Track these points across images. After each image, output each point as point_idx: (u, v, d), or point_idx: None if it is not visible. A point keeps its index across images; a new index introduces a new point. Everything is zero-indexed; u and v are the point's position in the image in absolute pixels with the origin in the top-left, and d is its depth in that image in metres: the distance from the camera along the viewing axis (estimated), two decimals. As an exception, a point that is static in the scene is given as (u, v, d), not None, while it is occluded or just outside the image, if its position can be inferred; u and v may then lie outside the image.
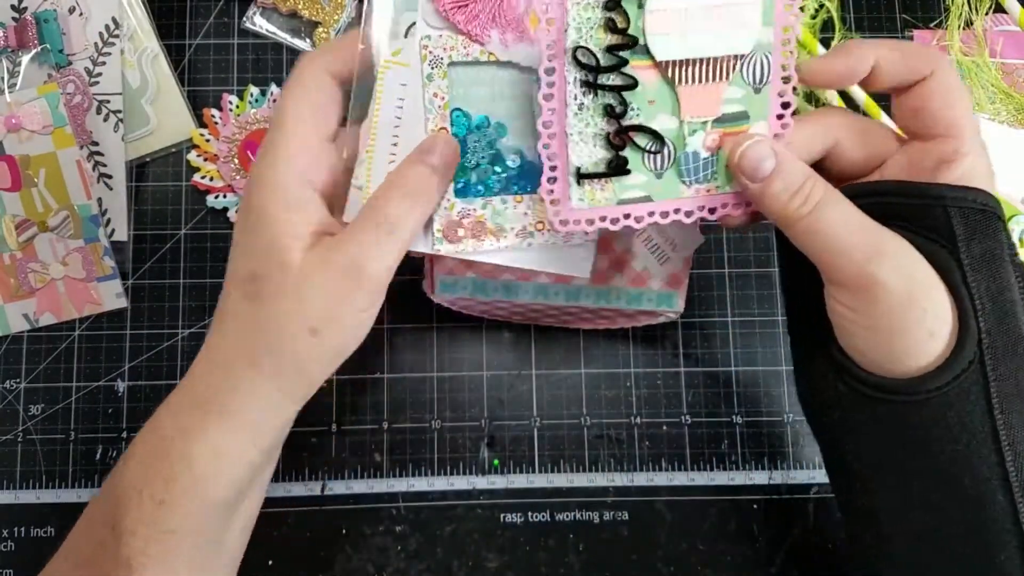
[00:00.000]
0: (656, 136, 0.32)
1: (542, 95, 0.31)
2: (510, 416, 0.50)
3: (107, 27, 0.49)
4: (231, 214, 0.50)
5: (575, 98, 0.31)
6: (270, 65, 0.52)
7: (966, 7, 0.53)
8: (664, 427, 0.50)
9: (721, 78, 0.32)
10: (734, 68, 0.32)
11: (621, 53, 0.31)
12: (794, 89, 0.32)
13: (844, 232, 0.30)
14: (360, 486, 0.49)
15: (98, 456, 0.48)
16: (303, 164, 0.33)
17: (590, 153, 0.32)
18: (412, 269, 0.44)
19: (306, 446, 0.49)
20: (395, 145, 0.34)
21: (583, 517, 0.49)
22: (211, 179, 0.50)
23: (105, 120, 0.49)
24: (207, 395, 0.33)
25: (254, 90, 0.51)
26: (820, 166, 0.34)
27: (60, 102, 0.47)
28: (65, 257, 0.48)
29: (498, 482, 0.49)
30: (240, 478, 0.34)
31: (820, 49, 0.51)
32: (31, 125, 0.47)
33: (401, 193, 0.33)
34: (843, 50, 0.33)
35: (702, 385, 0.50)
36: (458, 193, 0.35)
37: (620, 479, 0.49)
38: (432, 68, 0.34)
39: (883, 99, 0.52)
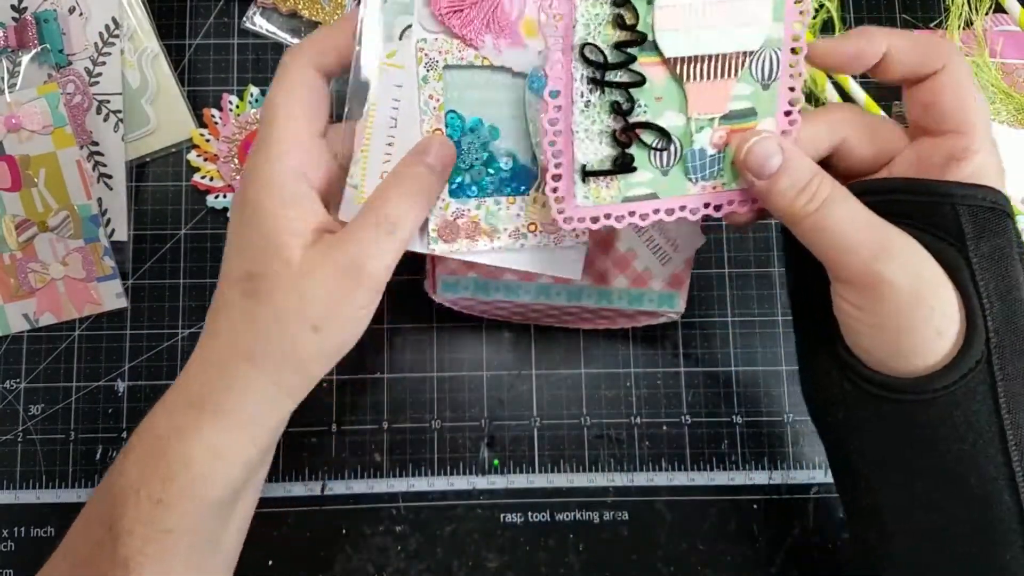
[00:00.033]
0: (663, 133, 0.32)
1: (548, 91, 0.31)
2: (510, 416, 0.50)
3: (107, 27, 0.49)
4: (230, 213, 0.50)
5: (582, 95, 0.31)
6: (270, 65, 0.52)
7: (966, 7, 0.53)
8: (664, 427, 0.50)
9: (730, 75, 0.32)
10: (743, 65, 0.31)
11: (629, 50, 0.31)
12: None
13: (851, 230, 0.30)
14: (360, 486, 0.49)
15: (98, 456, 0.48)
16: (297, 160, 0.33)
17: (596, 150, 0.32)
18: (412, 269, 0.44)
19: (306, 446, 0.49)
20: (390, 145, 0.35)
21: (583, 517, 0.49)
22: (211, 179, 0.50)
23: (105, 120, 0.49)
24: (203, 393, 0.33)
25: (254, 90, 0.51)
26: (828, 163, 0.33)
27: (60, 102, 0.47)
28: (65, 257, 0.48)
29: (498, 482, 0.49)
30: (236, 477, 0.34)
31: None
32: (31, 125, 0.47)
33: (400, 193, 0.33)
34: (854, 33, 0.32)
35: (702, 385, 0.50)
36: (452, 193, 0.35)
37: (620, 479, 0.49)
38: (427, 71, 0.34)
39: (883, 100, 0.52)
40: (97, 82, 0.49)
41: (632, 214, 0.32)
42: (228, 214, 0.50)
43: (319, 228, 0.33)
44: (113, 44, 0.49)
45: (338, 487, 0.49)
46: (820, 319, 0.33)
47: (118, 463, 0.34)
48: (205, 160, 0.50)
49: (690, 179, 0.33)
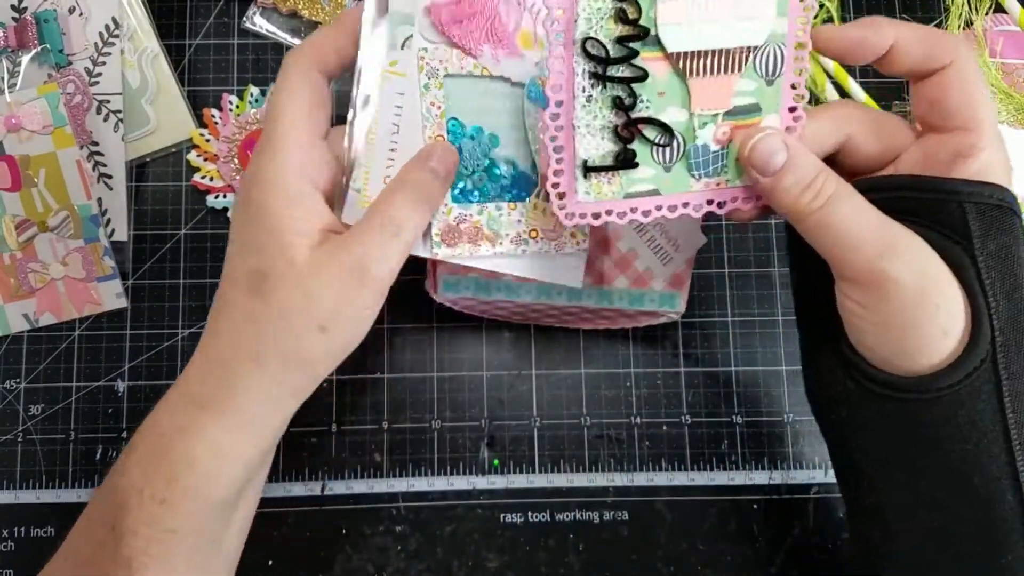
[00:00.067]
0: (665, 129, 0.31)
1: (550, 87, 0.31)
2: (510, 416, 0.50)
3: (107, 27, 0.49)
4: (231, 214, 0.50)
5: (583, 90, 0.31)
6: (270, 65, 0.52)
7: (966, 7, 0.53)
8: (664, 427, 0.50)
9: (733, 70, 0.31)
10: (747, 60, 0.31)
11: (631, 44, 0.30)
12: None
13: (855, 227, 0.29)
14: (360, 486, 0.49)
15: (98, 456, 0.48)
16: (301, 161, 0.33)
17: (597, 146, 0.32)
18: (413, 269, 0.44)
19: (306, 446, 0.49)
20: (393, 150, 0.35)
21: (583, 517, 0.49)
22: (211, 179, 0.50)
23: (105, 120, 0.49)
24: (205, 393, 0.33)
25: (254, 90, 0.51)
26: (833, 160, 0.33)
27: (60, 102, 0.47)
28: (65, 257, 0.48)
29: (498, 482, 0.49)
30: (239, 477, 0.34)
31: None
32: (31, 125, 0.47)
33: (404, 196, 0.33)
34: (862, 22, 0.32)
35: (702, 385, 0.50)
36: (455, 198, 0.36)
37: (620, 479, 0.49)
38: (429, 79, 0.35)
39: (883, 100, 0.52)
40: (97, 82, 0.49)
41: (634, 210, 0.32)
42: (229, 214, 0.50)
43: (324, 228, 0.33)
44: (113, 44, 0.49)
45: (338, 487, 0.49)
46: (824, 317, 0.33)
47: (120, 462, 0.34)
48: (205, 160, 0.50)
49: (693, 175, 0.32)
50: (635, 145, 0.32)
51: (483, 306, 0.45)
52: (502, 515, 0.49)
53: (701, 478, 0.49)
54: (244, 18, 0.52)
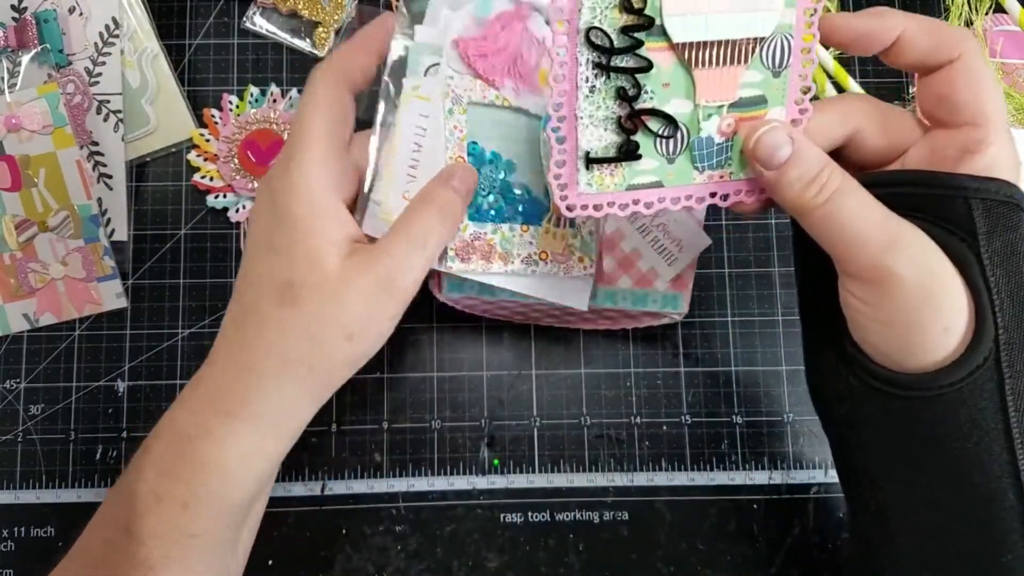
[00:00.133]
0: (669, 120, 0.31)
1: (552, 77, 0.30)
2: (510, 416, 0.50)
3: (107, 27, 0.49)
4: (231, 214, 0.50)
5: (586, 80, 0.30)
6: (270, 65, 0.52)
7: (966, 7, 0.53)
8: (664, 427, 0.50)
9: (739, 61, 0.31)
10: (753, 51, 0.31)
11: (636, 34, 0.30)
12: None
13: (860, 223, 0.29)
14: (360, 486, 0.49)
15: (98, 456, 0.48)
16: (329, 173, 0.34)
17: (600, 137, 0.31)
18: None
19: (306, 446, 0.49)
20: (413, 168, 0.37)
21: (583, 517, 0.49)
22: (211, 179, 0.50)
23: (105, 120, 0.49)
24: (235, 399, 0.33)
25: (254, 90, 0.51)
26: (840, 153, 0.33)
27: (60, 102, 0.47)
28: (65, 257, 0.48)
29: (498, 482, 0.49)
30: (260, 480, 0.35)
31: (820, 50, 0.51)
32: (31, 125, 0.47)
33: (429, 212, 0.35)
34: (869, 12, 0.32)
35: (702, 385, 0.50)
36: (471, 217, 0.38)
37: (620, 479, 0.49)
38: (453, 104, 0.37)
39: (883, 100, 0.52)
40: (97, 82, 0.49)
41: (636, 202, 0.32)
42: (233, 215, 0.50)
43: (351, 239, 0.34)
44: (113, 44, 0.49)
45: (338, 487, 0.49)
46: (827, 313, 0.33)
47: (135, 466, 0.35)
48: (205, 160, 0.50)
49: (696, 168, 0.32)
50: (638, 136, 0.31)
51: (485, 306, 0.45)
52: (502, 515, 0.49)
53: (701, 478, 0.49)
54: (244, 18, 0.52)
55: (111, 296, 0.49)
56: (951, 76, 0.31)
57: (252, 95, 0.51)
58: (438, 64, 0.37)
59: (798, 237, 0.34)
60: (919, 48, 0.31)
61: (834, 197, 0.30)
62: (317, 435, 0.49)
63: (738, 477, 0.49)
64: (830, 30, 0.32)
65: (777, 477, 0.49)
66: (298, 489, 0.48)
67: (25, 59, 0.48)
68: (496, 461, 0.49)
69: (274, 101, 0.51)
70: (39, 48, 0.48)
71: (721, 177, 0.32)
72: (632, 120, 0.31)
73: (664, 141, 0.31)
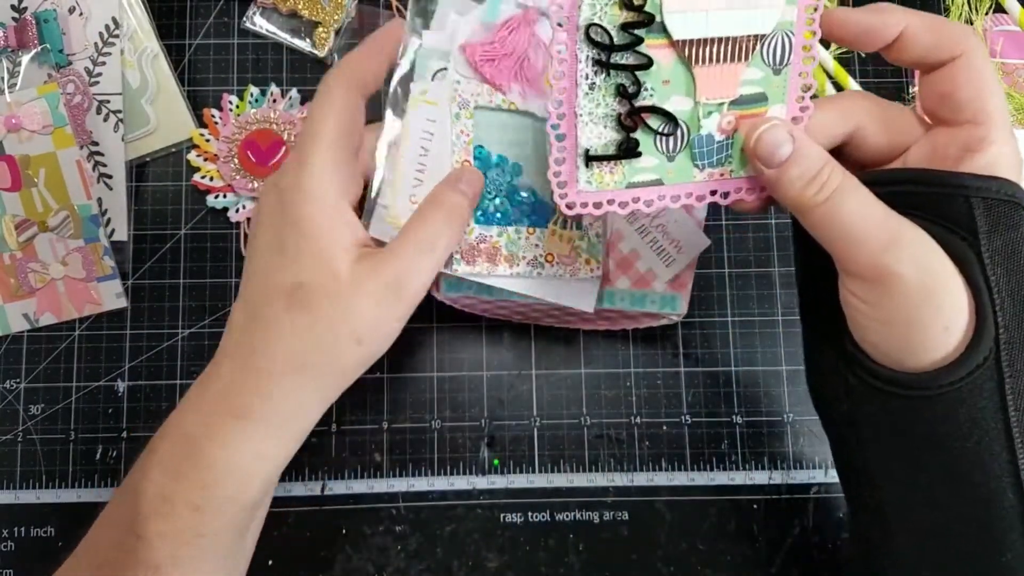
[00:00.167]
0: (670, 118, 0.31)
1: (552, 74, 0.30)
2: (510, 416, 0.50)
3: (107, 27, 0.49)
4: (231, 214, 0.50)
5: (586, 77, 0.30)
6: (270, 65, 0.52)
7: (966, 7, 0.53)
8: (664, 427, 0.50)
9: (740, 58, 0.31)
10: (754, 48, 0.30)
11: (636, 31, 0.30)
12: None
13: (860, 221, 0.29)
14: (360, 486, 0.49)
15: (98, 456, 0.48)
16: (340, 178, 0.35)
17: (600, 134, 0.31)
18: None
19: (306, 446, 0.48)
20: (420, 172, 0.38)
21: (583, 517, 0.49)
22: (211, 179, 0.50)
23: (105, 120, 0.49)
24: (245, 401, 0.34)
25: (254, 90, 0.51)
26: (841, 151, 0.33)
27: (60, 102, 0.47)
28: (65, 257, 0.48)
29: (498, 482, 0.49)
30: (270, 481, 0.35)
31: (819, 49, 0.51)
32: (31, 125, 0.47)
33: (437, 216, 0.35)
34: (871, 8, 0.31)
35: (702, 385, 0.50)
36: (477, 220, 0.38)
37: (620, 479, 0.49)
38: (460, 109, 0.38)
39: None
40: (97, 82, 0.49)
41: (636, 200, 0.32)
42: (234, 215, 0.50)
43: (360, 243, 0.35)
44: (113, 44, 0.49)
45: (338, 487, 0.49)
46: (827, 312, 0.33)
47: (141, 467, 0.35)
48: (205, 160, 0.50)
49: (696, 165, 0.32)
50: (638, 134, 0.31)
51: (484, 305, 0.45)
52: (502, 515, 0.49)
53: (701, 478, 0.49)
54: (244, 18, 0.52)
55: (111, 296, 0.49)
56: (953, 74, 0.31)
57: (252, 95, 0.51)
58: (445, 69, 0.38)
59: (798, 236, 0.34)
60: (921, 45, 0.31)
61: (835, 195, 0.29)
62: (317, 435, 0.49)
63: (738, 477, 0.49)
64: (831, 25, 0.31)
65: (777, 477, 0.49)
66: (298, 489, 0.48)
67: (25, 59, 0.48)
68: (496, 461, 0.49)
69: (274, 101, 0.51)
70: (39, 48, 0.48)
71: (721, 175, 0.32)
72: (632, 117, 0.31)
73: (664, 139, 0.31)
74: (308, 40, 0.51)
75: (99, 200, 0.49)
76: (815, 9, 0.31)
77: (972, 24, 0.53)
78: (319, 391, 0.35)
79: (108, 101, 0.49)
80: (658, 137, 0.31)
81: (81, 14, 0.49)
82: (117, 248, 0.49)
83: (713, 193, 0.32)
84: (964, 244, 0.30)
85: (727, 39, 0.30)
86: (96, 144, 0.49)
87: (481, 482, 0.49)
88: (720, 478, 0.49)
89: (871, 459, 0.32)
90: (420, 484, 0.49)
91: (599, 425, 0.50)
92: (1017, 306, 0.29)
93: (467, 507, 0.49)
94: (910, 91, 0.53)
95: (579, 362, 0.50)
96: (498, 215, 0.39)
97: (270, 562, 0.47)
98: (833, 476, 0.49)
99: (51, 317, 0.49)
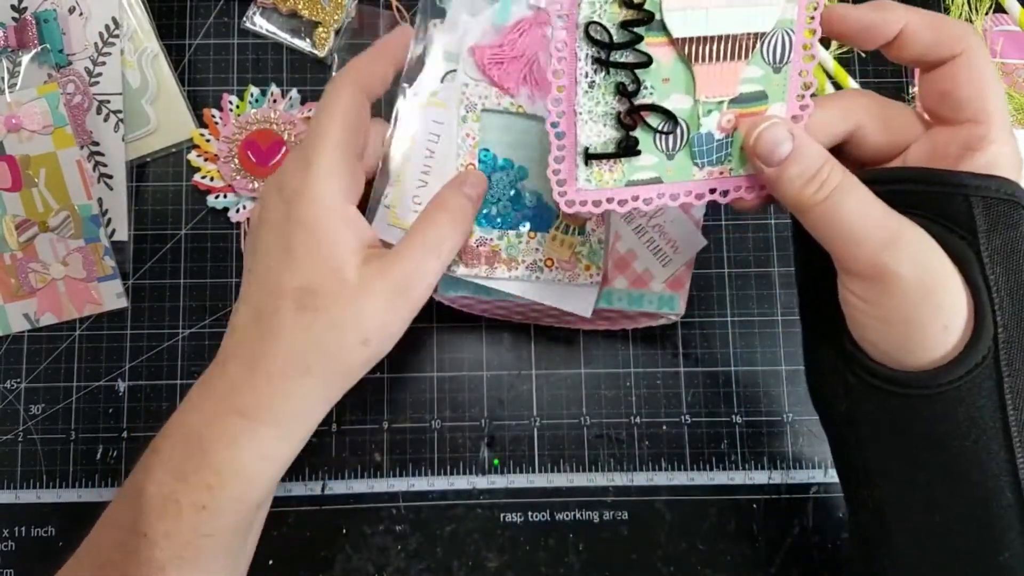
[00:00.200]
0: (669, 116, 0.31)
1: (551, 72, 0.30)
2: (510, 416, 0.50)
3: (107, 27, 0.49)
4: (231, 214, 0.50)
5: (586, 75, 0.30)
6: (270, 65, 0.52)
7: (966, 7, 0.53)
8: (664, 427, 0.50)
9: (740, 57, 0.30)
10: (754, 46, 0.30)
11: (636, 29, 0.29)
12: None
13: (859, 220, 0.29)
14: (360, 486, 0.49)
15: (98, 456, 0.48)
16: (345, 181, 0.35)
17: (599, 133, 0.31)
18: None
19: (307, 446, 0.49)
20: (425, 173, 0.38)
21: (583, 517, 0.49)
22: (211, 179, 0.50)
23: (105, 120, 0.49)
24: (250, 401, 0.34)
25: (254, 90, 0.51)
26: (841, 150, 0.33)
27: (60, 102, 0.47)
28: (66, 257, 0.48)
29: (498, 482, 0.49)
30: (274, 480, 0.35)
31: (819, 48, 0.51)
32: (31, 125, 0.47)
33: (444, 218, 0.36)
34: (871, 5, 0.31)
35: (702, 385, 0.50)
36: (478, 222, 0.38)
37: (620, 479, 0.49)
38: (467, 111, 0.38)
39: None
40: (97, 82, 0.49)
41: (635, 198, 0.32)
42: (234, 215, 0.50)
43: (366, 245, 0.35)
44: (113, 44, 0.49)
45: (338, 487, 0.49)
46: (826, 311, 0.33)
47: (144, 466, 0.35)
48: (205, 160, 0.50)
49: (696, 164, 0.32)
50: (638, 132, 0.31)
51: (483, 305, 0.45)
52: (502, 515, 0.49)
53: (701, 478, 0.49)
54: (244, 18, 0.52)
55: (111, 296, 0.49)
56: (953, 72, 0.31)
57: (252, 95, 0.51)
58: (455, 71, 0.38)
59: (798, 235, 0.34)
60: (921, 42, 0.31)
61: (834, 194, 0.29)
62: (317, 435, 0.48)
63: (738, 477, 0.49)
64: (832, 22, 0.31)
65: (777, 477, 0.49)
66: (298, 489, 0.48)
67: (25, 59, 0.48)
68: (496, 461, 0.49)
69: (274, 101, 0.51)
70: (39, 48, 0.48)
71: (721, 173, 0.32)
72: (631, 116, 0.31)
73: (663, 137, 0.31)
74: (308, 40, 0.52)
75: (99, 200, 0.49)
76: (816, 7, 0.30)
77: (972, 24, 0.53)
78: (324, 392, 0.35)
79: (108, 101, 0.49)
80: (657, 135, 0.31)
81: (81, 14, 0.49)
82: (117, 248, 0.49)
83: (712, 191, 0.32)
84: (963, 243, 0.30)
85: (727, 37, 0.30)
86: (96, 144, 0.49)
87: (481, 482, 0.49)
88: (720, 478, 0.49)
89: (870, 458, 0.32)
90: (420, 484, 0.49)
91: (599, 425, 0.50)
92: (1016, 305, 0.29)
93: (467, 507, 0.49)
94: (910, 91, 0.53)
95: (579, 362, 0.50)
96: (499, 219, 0.39)
97: (270, 562, 0.47)
98: (832, 476, 0.49)
99: (52, 317, 0.49)
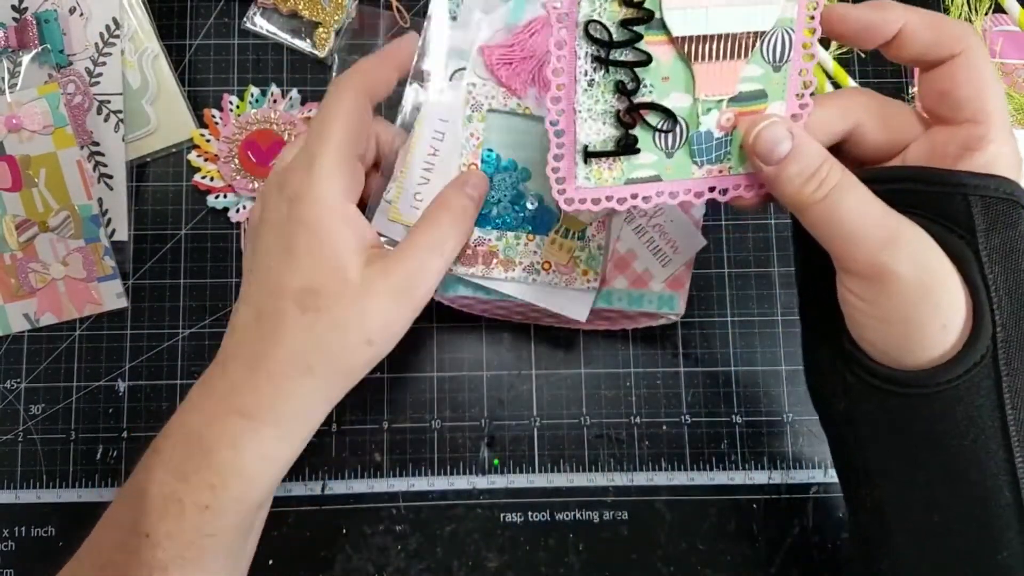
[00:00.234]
0: (668, 114, 0.31)
1: (551, 70, 0.30)
2: (510, 416, 0.50)
3: (107, 27, 0.49)
4: (232, 214, 0.50)
5: (585, 74, 0.30)
6: (270, 65, 0.52)
7: (966, 7, 0.53)
8: (664, 427, 0.50)
9: (739, 55, 0.31)
10: (753, 45, 0.30)
11: (635, 27, 0.29)
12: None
13: (858, 219, 0.29)
14: (360, 486, 0.49)
15: (98, 456, 0.48)
16: (347, 183, 0.35)
17: (599, 131, 0.31)
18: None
19: (307, 446, 0.49)
20: (427, 171, 0.38)
21: (583, 517, 0.49)
22: (211, 179, 0.50)
23: (106, 120, 0.49)
24: (252, 401, 0.34)
25: (254, 90, 0.51)
26: (840, 148, 0.33)
27: (60, 102, 0.47)
28: (66, 257, 0.49)
29: (498, 482, 0.49)
30: (276, 481, 0.35)
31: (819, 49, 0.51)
32: (32, 125, 0.47)
33: (447, 218, 0.36)
34: (871, 4, 0.31)
35: (702, 385, 0.50)
36: (477, 222, 0.38)
37: (620, 479, 0.49)
38: (472, 111, 0.38)
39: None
40: (97, 82, 0.49)
41: (635, 196, 0.32)
42: (234, 216, 0.50)
43: (369, 245, 0.35)
44: (113, 44, 0.49)
45: (338, 487, 0.49)
46: (826, 310, 0.33)
47: (145, 466, 0.35)
48: (205, 160, 0.50)
49: (695, 162, 0.32)
50: (637, 131, 0.31)
51: (482, 305, 0.45)
52: (502, 515, 0.49)
53: (701, 478, 0.49)
54: (244, 18, 0.52)
55: (111, 296, 0.49)
56: (953, 72, 0.31)
57: (252, 95, 0.51)
58: (463, 69, 0.38)
59: (798, 234, 0.34)
60: (920, 42, 0.31)
61: (833, 193, 0.29)
62: (317, 435, 0.48)
63: (738, 477, 0.49)
64: (831, 21, 0.31)
65: (777, 477, 0.49)
66: (298, 489, 0.48)
67: (26, 59, 0.48)
68: (496, 461, 0.49)
69: (274, 101, 0.51)
70: (40, 48, 0.48)
71: (720, 172, 0.32)
72: (631, 114, 0.31)
73: (663, 135, 0.31)
74: (308, 40, 0.52)
75: (100, 200, 0.49)
76: (815, 6, 0.31)
77: (972, 24, 0.53)
78: (326, 392, 0.35)
79: (108, 101, 0.49)
80: (657, 134, 0.31)
81: (82, 14, 0.49)
82: (118, 248, 0.49)
83: (711, 190, 0.32)
84: (962, 242, 0.30)
85: (727, 36, 0.30)
86: (96, 144, 0.49)
87: (481, 482, 0.49)
88: (720, 478, 0.49)
89: (869, 458, 0.32)
90: (420, 484, 0.49)
91: (599, 425, 0.50)
92: (1014, 304, 0.29)
93: (467, 507, 0.49)
94: (910, 91, 0.53)
95: (579, 362, 0.50)
96: (498, 220, 0.39)
97: (270, 562, 0.47)
98: (832, 476, 0.49)
99: (52, 317, 0.49)
